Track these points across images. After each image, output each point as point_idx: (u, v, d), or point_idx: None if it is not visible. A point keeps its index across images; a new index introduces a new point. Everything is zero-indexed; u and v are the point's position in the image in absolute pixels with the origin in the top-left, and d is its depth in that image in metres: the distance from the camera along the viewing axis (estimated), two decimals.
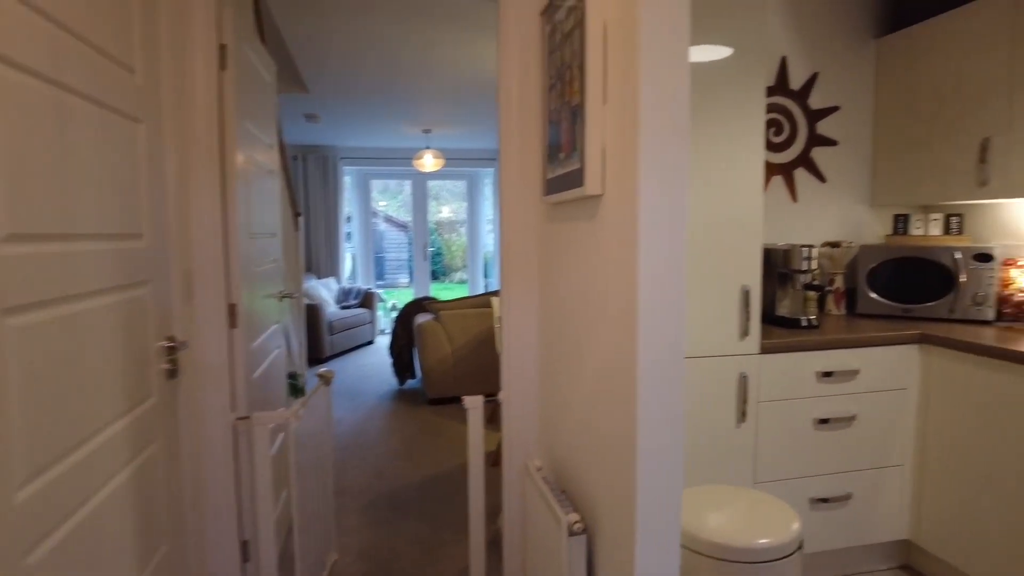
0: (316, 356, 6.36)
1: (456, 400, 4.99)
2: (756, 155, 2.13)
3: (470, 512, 2.12)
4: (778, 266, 2.48)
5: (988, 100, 2.36)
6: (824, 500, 2.32)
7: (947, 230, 2.65)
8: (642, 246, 1.24)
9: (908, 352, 2.34)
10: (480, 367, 4.89)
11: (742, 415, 2.18)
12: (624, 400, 1.32)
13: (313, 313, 6.24)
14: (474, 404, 2.08)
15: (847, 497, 2.33)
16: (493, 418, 4.29)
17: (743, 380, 2.17)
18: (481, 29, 3.67)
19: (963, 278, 2.48)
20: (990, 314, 2.46)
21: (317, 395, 2.31)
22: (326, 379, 2.37)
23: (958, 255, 2.49)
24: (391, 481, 3.42)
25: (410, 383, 5.63)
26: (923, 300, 2.56)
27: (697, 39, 2.06)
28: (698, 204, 2.10)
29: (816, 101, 2.83)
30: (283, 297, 2.87)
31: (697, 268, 2.11)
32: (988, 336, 2.23)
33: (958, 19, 2.46)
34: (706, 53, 2.07)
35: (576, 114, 1.50)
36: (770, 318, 2.53)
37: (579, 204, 1.60)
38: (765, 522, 1.66)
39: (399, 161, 8.29)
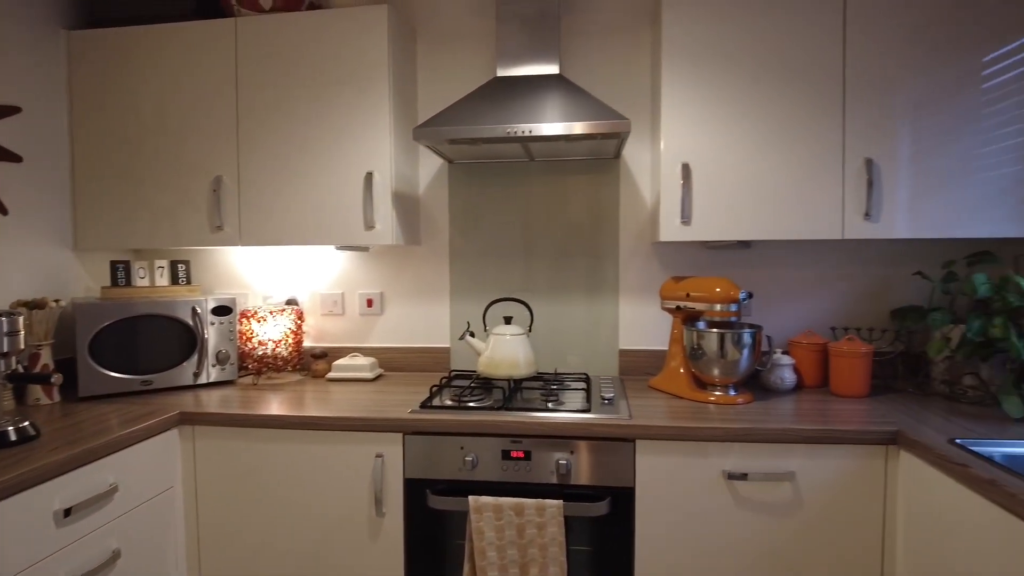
0: None
1: None
2: None
3: None
4: None
5: (216, 134, 2.10)
6: None
7: (175, 280, 2.25)
8: None
9: (168, 440, 1.81)
10: None
11: None
12: None
13: None
14: None
15: None
16: None
17: None
18: None
19: (206, 335, 2.14)
20: (234, 372, 2.21)
21: None
22: None
23: (199, 309, 2.13)
24: None
25: None
26: (165, 367, 2.08)
27: None
28: None
29: None
30: None
31: None
32: (235, 399, 1.98)
33: (175, 34, 2.10)
34: None
35: None
36: None
37: None
38: None
39: None
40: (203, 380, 2.15)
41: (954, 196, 1.83)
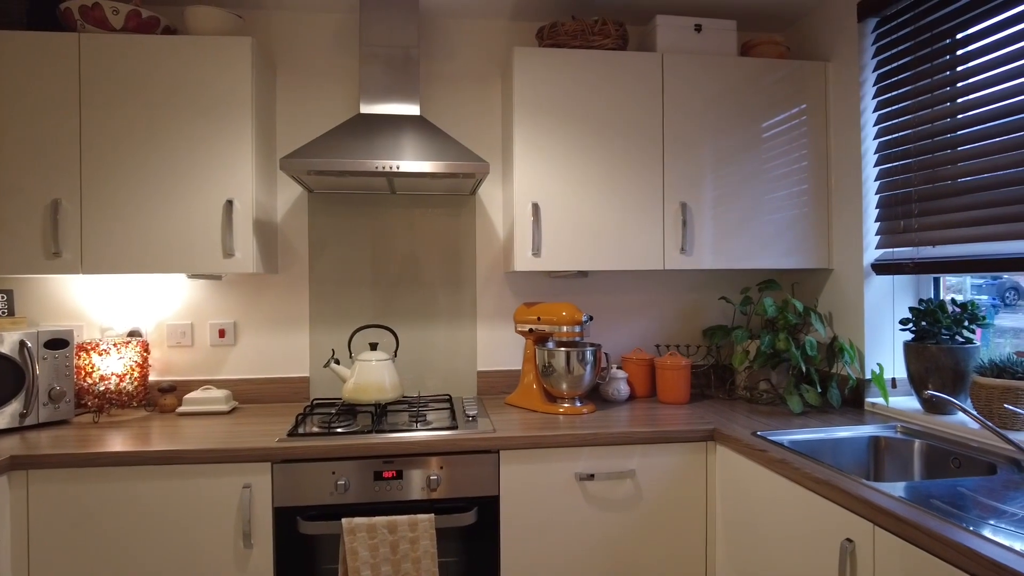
0: None
1: None
2: None
3: None
4: None
5: (53, 155, 1.96)
6: None
7: None
8: None
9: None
10: None
11: None
12: None
13: None
14: None
15: None
16: None
17: None
18: None
19: (37, 371, 1.96)
20: (71, 410, 2.04)
21: None
22: None
23: (29, 343, 1.95)
24: None
25: None
26: None
27: None
28: None
29: None
30: None
31: None
32: (73, 439, 1.84)
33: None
34: None
35: None
36: None
37: None
38: None
39: None
40: (32, 421, 1.95)
41: (746, 235, 2.26)
